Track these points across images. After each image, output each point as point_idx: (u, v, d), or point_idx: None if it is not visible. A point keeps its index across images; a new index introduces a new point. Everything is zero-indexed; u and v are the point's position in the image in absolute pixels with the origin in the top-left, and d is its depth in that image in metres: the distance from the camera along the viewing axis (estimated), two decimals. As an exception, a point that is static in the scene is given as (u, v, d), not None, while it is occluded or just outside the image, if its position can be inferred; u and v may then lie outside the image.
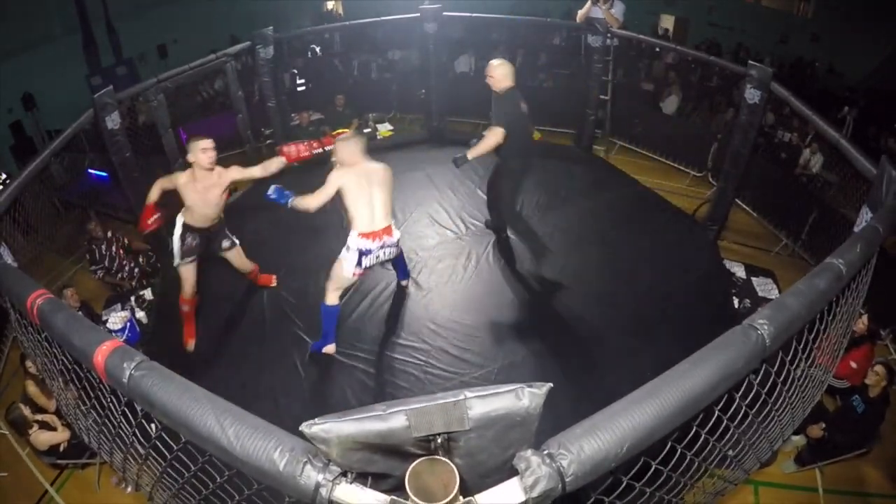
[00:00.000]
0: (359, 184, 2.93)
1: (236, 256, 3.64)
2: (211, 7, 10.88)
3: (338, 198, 2.98)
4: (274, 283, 4.03)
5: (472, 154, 3.65)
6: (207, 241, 3.42)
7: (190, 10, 10.68)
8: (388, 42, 9.69)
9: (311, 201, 2.97)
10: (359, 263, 3.01)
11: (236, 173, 3.27)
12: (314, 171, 5.66)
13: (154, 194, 3.24)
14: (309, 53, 9.30)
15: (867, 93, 8.93)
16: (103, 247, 4.91)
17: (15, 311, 1.74)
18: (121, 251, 5.00)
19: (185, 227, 3.26)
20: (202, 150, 3.06)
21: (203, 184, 3.15)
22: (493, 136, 3.62)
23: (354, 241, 2.98)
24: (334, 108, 7.21)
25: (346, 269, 3.04)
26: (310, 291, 3.96)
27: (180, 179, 3.14)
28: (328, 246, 4.36)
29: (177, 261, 3.34)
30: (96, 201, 6.30)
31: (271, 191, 3.10)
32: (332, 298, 3.18)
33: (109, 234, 4.97)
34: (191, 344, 3.60)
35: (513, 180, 3.91)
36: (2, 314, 3.57)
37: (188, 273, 3.39)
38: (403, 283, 3.86)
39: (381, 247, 3.00)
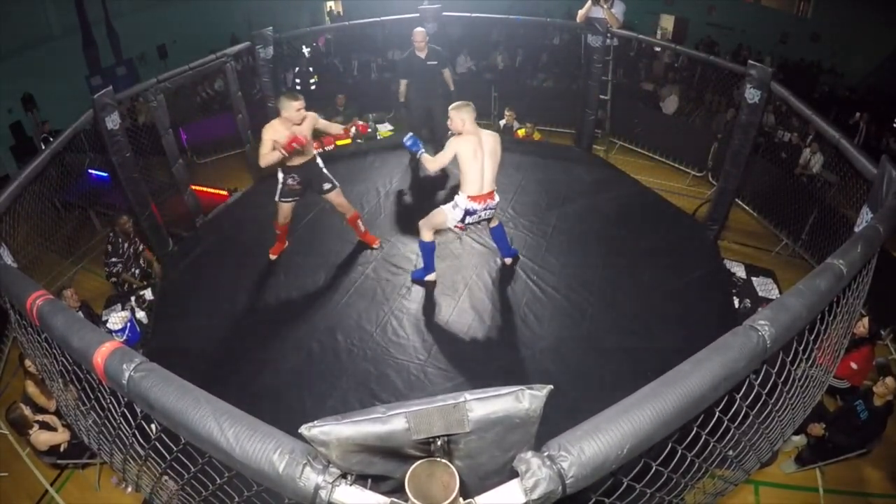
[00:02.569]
0: (474, 152, 3.26)
1: (336, 198, 3.97)
2: (211, 7, 10.88)
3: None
4: (376, 245, 4.28)
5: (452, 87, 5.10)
6: (308, 183, 3.83)
7: (190, 10, 10.69)
8: (388, 42, 9.69)
9: (432, 163, 3.37)
10: (462, 220, 3.44)
11: (318, 121, 3.70)
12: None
13: (268, 146, 3.47)
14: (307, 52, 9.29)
15: (868, 92, 8.93)
16: (126, 244, 4.93)
17: (15, 312, 1.74)
18: (132, 251, 5.01)
19: (286, 169, 3.70)
20: (297, 111, 3.46)
21: (291, 132, 3.47)
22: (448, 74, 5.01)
23: (463, 202, 3.37)
24: (334, 108, 7.21)
25: (448, 219, 3.47)
26: (309, 291, 3.96)
27: (277, 127, 3.49)
28: (328, 246, 4.39)
29: (276, 198, 3.86)
30: (96, 201, 6.30)
31: (408, 138, 3.57)
32: (426, 236, 3.63)
33: (133, 233, 4.98)
34: (272, 256, 4.21)
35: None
36: (2, 314, 3.56)
37: (285, 209, 3.93)
38: (507, 260, 4.03)
39: (485, 208, 3.41)
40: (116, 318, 4.23)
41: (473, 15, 6.14)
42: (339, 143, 6.49)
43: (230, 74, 5.10)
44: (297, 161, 3.67)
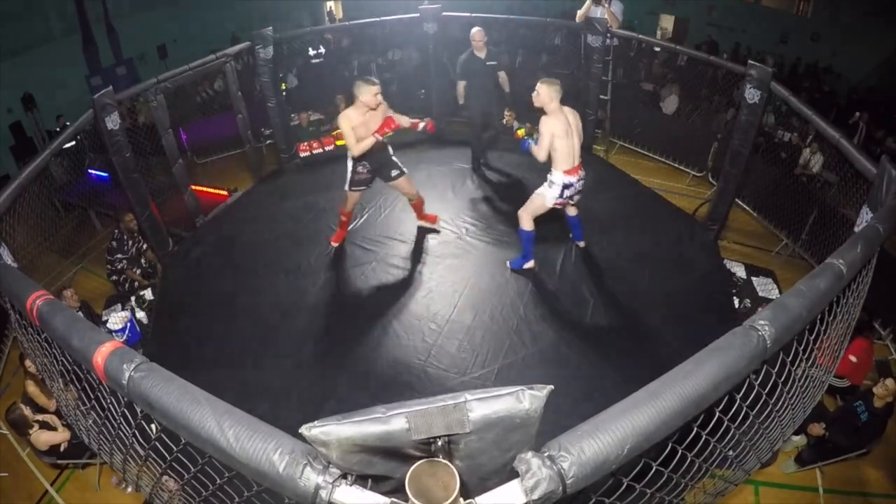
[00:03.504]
0: (566, 130, 3.44)
1: (404, 184, 4.06)
2: (211, 7, 10.88)
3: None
4: (435, 224, 4.44)
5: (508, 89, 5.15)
6: (377, 170, 3.89)
7: (190, 9, 10.69)
8: (388, 42, 9.68)
9: (540, 151, 3.48)
10: (561, 195, 3.59)
11: (390, 111, 3.70)
12: (319, 168, 5.70)
13: (351, 135, 3.56)
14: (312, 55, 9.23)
15: (869, 92, 8.93)
16: (130, 241, 4.92)
17: (15, 312, 1.74)
18: (135, 249, 5.01)
19: (357, 157, 3.72)
20: (374, 95, 3.48)
21: (366, 118, 3.56)
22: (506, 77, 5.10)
23: (559, 178, 3.54)
24: (334, 108, 7.21)
25: (547, 200, 3.65)
26: (309, 291, 3.96)
27: (352, 115, 3.55)
28: (327, 246, 4.38)
29: (346, 187, 3.93)
30: (96, 201, 6.30)
31: (524, 143, 3.68)
32: (526, 224, 3.79)
33: (137, 232, 4.98)
34: (332, 245, 4.31)
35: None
36: (2, 314, 3.56)
37: (353, 197, 4.02)
38: (581, 244, 4.21)
39: (579, 179, 3.58)
40: (116, 318, 4.23)
41: (473, 15, 6.13)
42: (339, 142, 6.48)
43: (230, 74, 5.10)
44: (371, 149, 3.67)
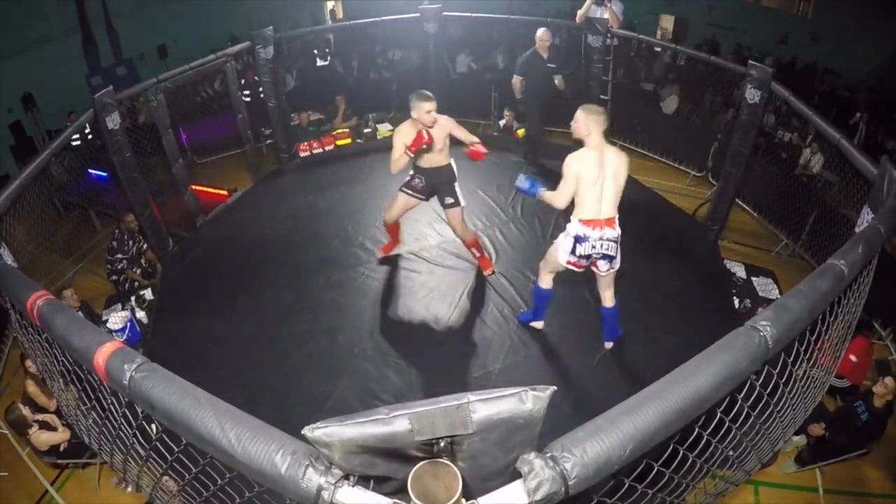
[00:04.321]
0: (597, 171, 2.78)
1: (455, 217, 3.70)
2: (211, 7, 10.87)
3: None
4: (488, 272, 3.97)
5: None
6: (433, 187, 3.63)
7: (190, 10, 10.67)
8: (388, 42, 9.68)
9: (558, 200, 2.85)
10: (573, 252, 2.91)
11: (454, 126, 3.46)
12: (319, 168, 5.69)
13: (399, 150, 3.34)
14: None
15: (868, 92, 8.93)
16: (130, 241, 4.92)
17: (15, 312, 1.74)
18: (135, 249, 5.01)
19: (414, 167, 3.56)
20: (427, 112, 3.27)
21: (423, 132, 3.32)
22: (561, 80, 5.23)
23: (574, 227, 2.88)
24: (334, 108, 7.20)
25: (560, 254, 2.98)
26: (309, 291, 3.96)
27: (405, 130, 3.36)
28: (328, 247, 4.38)
29: (400, 187, 3.70)
30: (96, 201, 6.29)
31: (522, 181, 3.00)
32: (544, 281, 3.23)
33: (137, 232, 4.98)
34: (381, 254, 4.16)
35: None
36: (2, 314, 3.56)
37: (400, 201, 3.71)
38: (608, 345, 3.37)
39: (600, 238, 2.84)
40: (116, 318, 4.22)
41: (473, 15, 6.14)
42: (339, 142, 6.48)
43: (230, 74, 5.10)
44: (425, 163, 3.50)
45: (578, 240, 2.86)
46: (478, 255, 3.96)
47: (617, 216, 2.89)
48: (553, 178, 4.75)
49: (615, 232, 2.87)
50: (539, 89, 5.17)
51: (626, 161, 2.89)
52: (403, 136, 3.33)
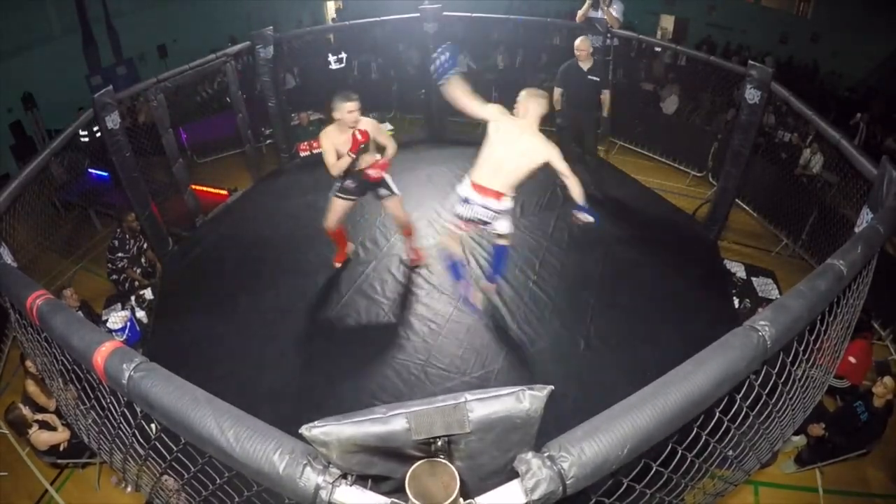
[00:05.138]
0: (510, 140, 2.84)
1: (394, 206, 3.77)
2: (211, 7, 10.87)
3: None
4: (420, 264, 4.05)
5: (607, 113, 4.90)
6: (364, 187, 3.63)
7: (190, 10, 10.68)
8: (388, 42, 9.68)
9: (465, 101, 2.92)
10: (457, 212, 3.02)
11: (376, 130, 3.46)
12: (319, 168, 5.68)
13: (331, 154, 3.40)
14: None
15: (868, 93, 8.93)
16: (131, 241, 4.92)
17: (15, 312, 1.74)
18: (136, 249, 5.00)
19: (346, 171, 3.48)
20: (348, 112, 3.28)
21: (347, 136, 3.35)
22: (608, 97, 4.80)
23: (464, 189, 2.97)
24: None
25: (451, 214, 3.09)
26: (309, 291, 3.96)
27: (331, 132, 3.37)
28: (328, 247, 4.38)
29: (331, 193, 3.68)
30: (96, 201, 6.30)
31: (444, 52, 2.90)
32: (448, 245, 3.36)
33: (138, 231, 4.97)
34: (336, 264, 4.09)
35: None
36: (2, 314, 3.57)
37: (337, 206, 3.69)
38: (487, 283, 3.67)
39: (483, 206, 2.93)
40: (116, 318, 4.23)
41: (473, 15, 6.14)
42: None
43: (230, 74, 5.10)
44: (360, 165, 3.48)
45: (464, 202, 2.98)
46: (411, 246, 4.04)
47: (509, 196, 2.96)
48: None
49: (500, 205, 2.94)
50: (578, 102, 4.78)
51: (544, 154, 2.90)
52: (331, 138, 3.35)
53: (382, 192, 3.69)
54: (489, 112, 2.90)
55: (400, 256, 4.22)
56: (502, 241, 3.34)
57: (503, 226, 3.09)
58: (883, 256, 1.85)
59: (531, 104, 2.92)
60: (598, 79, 4.66)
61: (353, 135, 3.25)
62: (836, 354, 1.91)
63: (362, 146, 3.30)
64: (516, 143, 2.86)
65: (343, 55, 8.91)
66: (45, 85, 8.38)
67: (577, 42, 4.66)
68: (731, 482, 1.83)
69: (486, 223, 3.05)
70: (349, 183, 3.60)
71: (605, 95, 4.76)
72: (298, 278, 4.08)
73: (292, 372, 3.37)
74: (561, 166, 2.91)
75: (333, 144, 3.33)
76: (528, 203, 4.86)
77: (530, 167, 2.91)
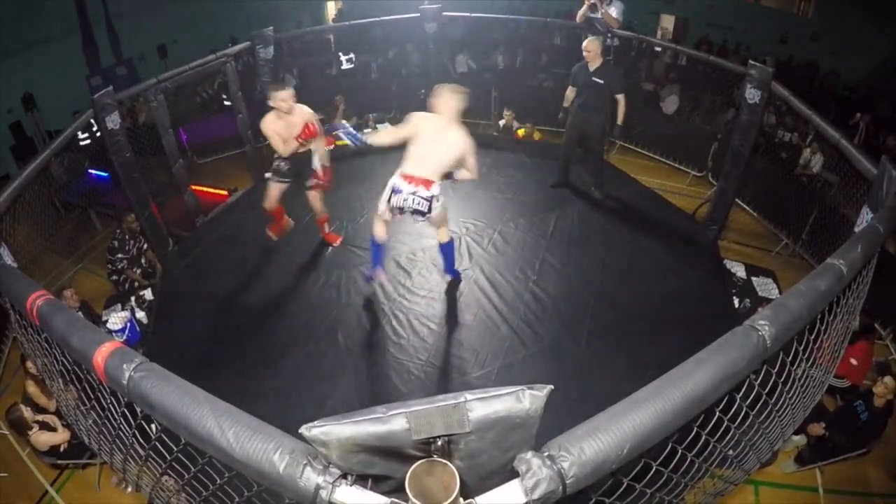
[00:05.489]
0: (434, 135, 3.14)
1: (312, 197, 4.14)
2: (211, 7, 10.88)
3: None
4: (338, 244, 4.42)
5: (621, 120, 4.63)
6: (298, 171, 3.99)
7: (190, 10, 10.68)
8: (388, 42, 9.69)
9: (381, 137, 3.37)
10: (389, 201, 3.20)
11: (311, 117, 3.79)
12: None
13: (276, 139, 3.76)
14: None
15: (868, 93, 8.93)
16: (131, 241, 4.92)
17: (15, 312, 1.74)
18: (134, 250, 5.01)
19: (279, 156, 3.92)
20: (282, 100, 3.64)
21: (285, 121, 3.73)
22: (625, 100, 4.57)
23: (395, 179, 3.17)
24: (334, 109, 7.21)
25: (381, 203, 3.26)
26: (309, 291, 3.96)
27: (269, 118, 3.73)
28: (328, 247, 4.39)
29: (268, 175, 4.12)
30: (96, 201, 6.30)
31: (345, 134, 3.56)
32: (375, 229, 3.49)
33: (138, 232, 4.97)
34: (272, 236, 4.35)
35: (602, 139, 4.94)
36: (2, 314, 3.57)
37: (273, 189, 4.06)
38: (445, 278, 3.86)
39: (413, 194, 3.12)
40: (116, 318, 4.23)
41: (473, 15, 6.14)
42: (339, 143, 6.47)
43: (230, 74, 5.10)
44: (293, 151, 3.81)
45: (394, 191, 3.16)
46: (326, 230, 4.45)
47: (438, 183, 3.17)
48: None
49: (429, 192, 3.14)
50: (582, 104, 4.66)
51: (462, 147, 3.17)
52: (271, 125, 3.72)
53: (309, 182, 4.04)
54: (411, 126, 3.21)
55: (399, 258, 4.22)
56: (442, 238, 3.57)
57: (436, 212, 3.23)
58: (883, 256, 1.85)
59: (450, 100, 3.17)
60: (601, 81, 4.52)
61: (307, 125, 3.70)
62: (836, 354, 1.91)
63: (310, 135, 3.72)
64: (439, 137, 3.14)
65: (352, 55, 8.86)
66: (45, 85, 8.38)
67: (584, 43, 4.58)
68: (732, 482, 1.83)
69: (420, 213, 3.20)
70: (283, 165, 3.95)
71: (621, 100, 4.57)
72: (298, 278, 4.08)
73: (292, 372, 3.37)
74: (470, 161, 3.23)
75: (275, 131, 3.71)
76: (528, 203, 4.86)
77: (454, 158, 3.19)
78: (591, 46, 4.51)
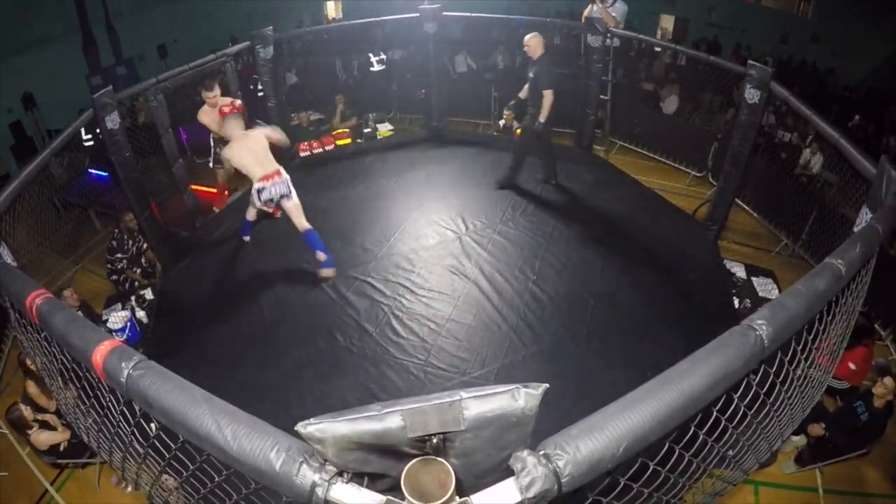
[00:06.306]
0: (247, 150, 3.82)
1: (219, 174, 5.23)
2: (211, 7, 10.88)
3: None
4: (219, 207, 5.32)
5: (542, 118, 4.56)
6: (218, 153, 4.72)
7: (190, 10, 10.69)
8: (388, 42, 9.68)
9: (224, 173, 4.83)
10: (260, 199, 3.88)
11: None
12: (319, 168, 5.70)
13: (214, 125, 4.58)
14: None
15: (868, 93, 8.93)
16: (130, 241, 4.92)
17: (14, 311, 1.74)
18: (135, 249, 5.00)
19: (216, 141, 4.81)
20: (208, 98, 4.49)
21: (216, 112, 4.35)
22: (549, 98, 4.49)
23: (256, 185, 3.83)
24: (334, 108, 7.20)
25: (254, 200, 3.97)
26: (309, 291, 3.96)
27: (207, 111, 4.52)
28: (328, 247, 4.37)
29: (212, 164, 5.20)
30: (96, 201, 6.29)
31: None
32: (248, 214, 4.45)
33: (137, 231, 4.97)
34: (214, 210, 5.25)
35: (549, 133, 4.85)
36: (2, 314, 3.57)
37: (220, 174, 5.21)
38: (319, 255, 4.09)
39: (273, 185, 3.83)
40: (116, 318, 4.23)
41: (473, 15, 6.14)
42: (340, 142, 6.49)
43: (230, 74, 5.10)
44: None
45: (259, 191, 3.82)
46: (222, 196, 5.33)
47: (280, 167, 3.87)
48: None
49: (284, 177, 3.87)
50: (530, 100, 4.72)
51: (261, 132, 3.91)
52: (209, 115, 4.51)
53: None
54: (234, 156, 3.85)
55: (399, 258, 4.22)
56: (302, 226, 4.00)
57: (292, 199, 3.91)
58: (882, 256, 1.85)
59: (234, 124, 3.94)
60: (532, 75, 4.57)
61: (220, 109, 4.22)
62: (835, 354, 1.91)
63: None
64: (253, 137, 3.88)
65: (383, 55, 8.71)
66: (45, 85, 8.38)
67: (525, 38, 4.62)
68: (730, 482, 1.83)
69: (286, 196, 3.89)
70: (218, 150, 4.66)
71: (546, 98, 4.50)
72: (298, 278, 4.08)
73: (293, 372, 3.37)
74: (273, 136, 3.96)
75: (211, 119, 4.46)
76: (528, 203, 4.86)
77: (273, 143, 3.93)
78: (529, 41, 4.59)
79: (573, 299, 3.81)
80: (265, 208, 4.05)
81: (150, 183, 4.97)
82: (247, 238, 4.58)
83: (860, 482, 3.68)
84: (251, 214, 4.46)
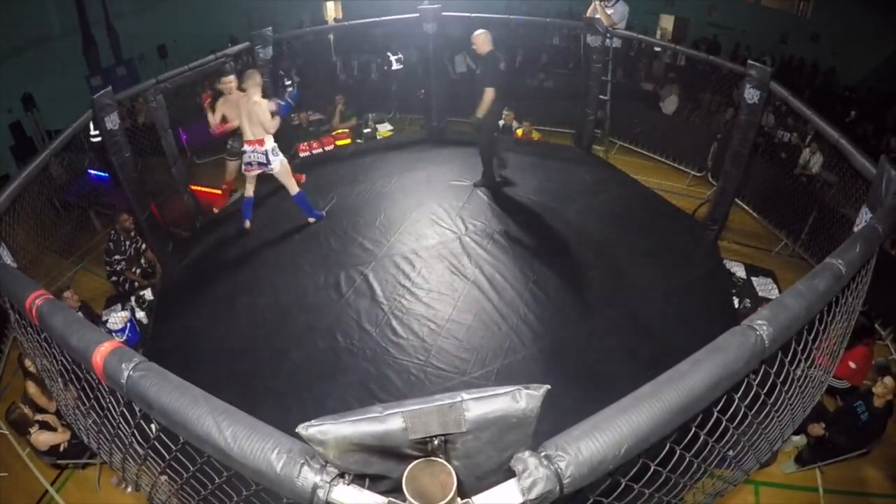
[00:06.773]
0: (241, 108, 4.19)
1: (232, 167, 5.14)
2: (211, 7, 10.88)
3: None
4: (221, 206, 5.34)
5: (480, 112, 4.56)
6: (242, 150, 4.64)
7: (190, 10, 10.68)
8: (388, 42, 9.68)
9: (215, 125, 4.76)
10: (243, 159, 4.39)
11: (259, 98, 4.25)
12: (319, 168, 5.70)
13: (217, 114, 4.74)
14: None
15: (868, 92, 8.92)
16: (127, 242, 4.92)
17: (14, 312, 1.74)
18: (132, 250, 5.00)
19: (231, 133, 4.81)
20: (223, 84, 4.64)
21: (229, 99, 4.60)
22: (490, 95, 4.47)
23: (244, 146, 4.31)
24: (334, 108, 7.21)
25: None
26: (309, 291, 3.97)
27: (221, 102, 4.67)
28: (328, 247, 4.39)
29: (226, 157, 5.17)
30: (96, 201, 6.29)
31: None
32: (246, 190, 4.70)
33: (134, 231, 4.96)
34: (214, 210, 5.31)
35: (490, 134, 4.85)
36: (2, 314, 3.57)
37: (230, 166, 5.11)
38: (311, 220, 4.68)
39: (253, 151, 4.28)
40: (116, 318, 4.23)
41: (473, 15, 6.14)
42: (339, 142, 6.49)
43: (230, 74, 5.09)
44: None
45: (243, 152, 4.35)
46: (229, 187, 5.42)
47: (264, 138, 4.23)
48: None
49: (263, 147, 4.26)
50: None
51: (256, 105, 4.14)
52: (224, 104, 4.68)
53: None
54: (229, 105, 4.51)
55: (399, 258, 4.22)
56: (291, 189, 4.51)
57: (276, 165, 4.36)
58: (883, 256, 1.85)
59: (248, 79, 4.18)
60: (476, 71, 4.66)
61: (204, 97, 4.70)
62: (835, 354, 1.91)
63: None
64: (246, 109, 4.17)
65: (401, 55, 8.63)
66: (45, 85, 8.38)
67: (473, 35, 4.55)
68: (731, 482, 1.83)
69: (263, 164, 4.33)
70: (236, 145, 4.75)
71: (486, 93, 4.43)
72: (298, 278, 4.08)
73: (293, 372, 3.37)
74: (264, 119, 4.16)
75: (230, 108, 4.60)
76: (528, 203, 4.86)
77: (260, 120, 4.15)
78: (476, 38, 4.57)
79: (573, 299, 3.81)
80: (246, 172, 4.47)
81: (150, 183, 4.97)
82: (247, 224, 4.65)
83: (860, 482, 3.68)
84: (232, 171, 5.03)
